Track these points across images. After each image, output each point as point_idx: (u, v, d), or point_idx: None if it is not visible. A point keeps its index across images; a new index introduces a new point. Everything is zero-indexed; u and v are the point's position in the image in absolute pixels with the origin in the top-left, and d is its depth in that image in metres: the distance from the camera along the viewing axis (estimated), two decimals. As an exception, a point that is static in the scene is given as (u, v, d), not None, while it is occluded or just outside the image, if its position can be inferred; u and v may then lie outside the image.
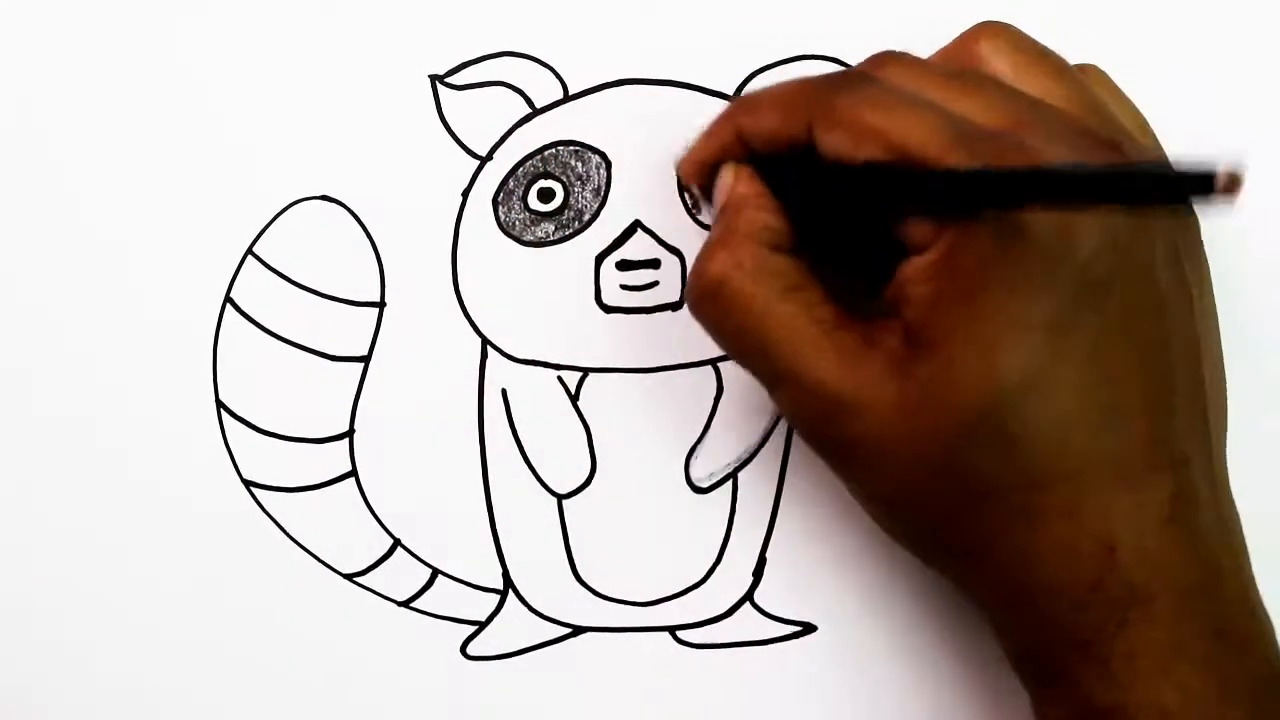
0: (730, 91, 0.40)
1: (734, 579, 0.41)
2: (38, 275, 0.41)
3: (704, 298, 0.34)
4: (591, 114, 0.40)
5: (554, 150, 0.40)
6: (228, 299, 0.41)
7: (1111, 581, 0.32)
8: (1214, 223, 0.36)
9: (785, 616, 0.41)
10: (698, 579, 0.41)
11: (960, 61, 0.35)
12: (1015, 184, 0.29)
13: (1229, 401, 0.36)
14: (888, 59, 0.34)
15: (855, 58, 0.40)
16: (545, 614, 0.41)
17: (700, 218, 0.40)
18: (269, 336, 0.41)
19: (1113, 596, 0.32)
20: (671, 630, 0.41)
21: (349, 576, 0.41)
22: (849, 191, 0.33)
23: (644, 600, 0.41)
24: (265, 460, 0.41)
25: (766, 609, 0.41)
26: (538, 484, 0.41)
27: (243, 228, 0.41)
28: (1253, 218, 0.38)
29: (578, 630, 0.41)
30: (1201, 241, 0.36)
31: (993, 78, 0.34)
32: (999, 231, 0.31)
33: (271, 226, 0.41)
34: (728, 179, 0.35)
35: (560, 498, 0.41)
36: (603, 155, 0.40)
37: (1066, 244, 0.31)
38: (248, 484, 0.41)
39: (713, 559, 0.41)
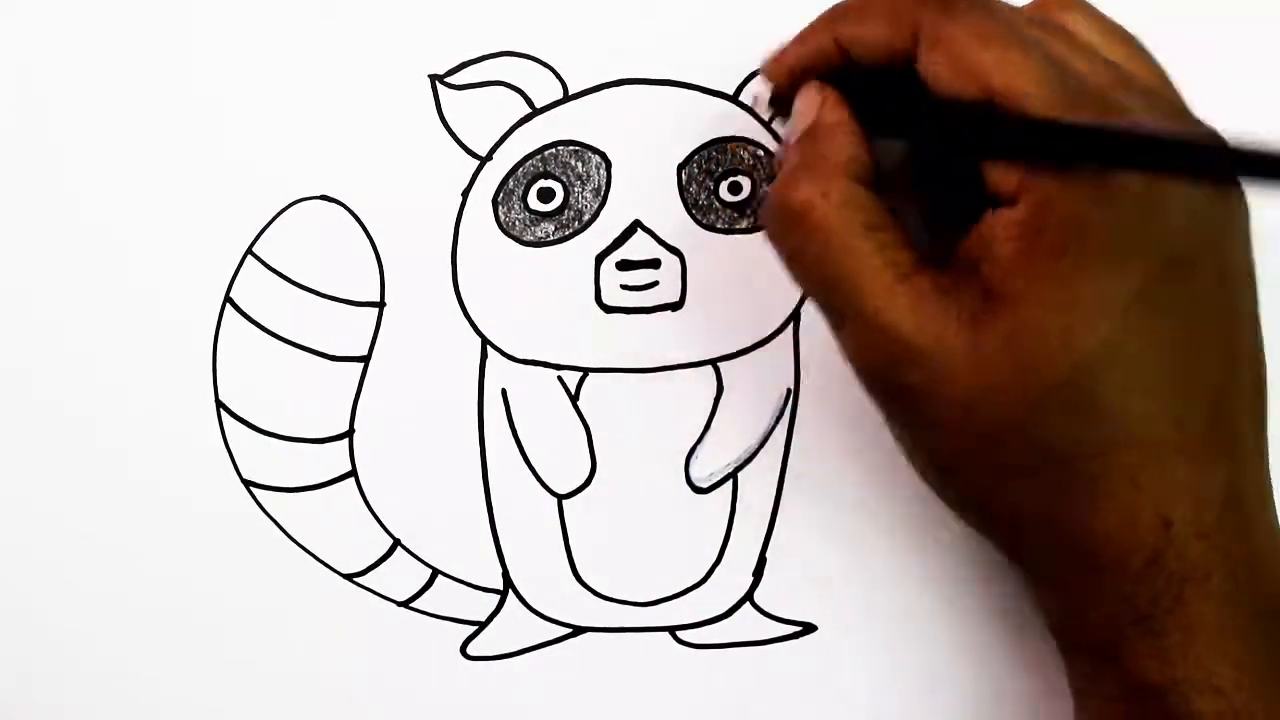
0: (730, 91, 0.40)
1: (734, 579, 0.41)
2: (38, 275, 0.41)
3: (786, 223, 0.33)
4: (591, 114, 0.40)
5: (554, 150, 0.40)
6: (227, 299, 0.41)
7: (1170, 555, 0.31)
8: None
9: (785, 616, 0.41)
10: (698, 579, 0.41)
11: (1043, 23, 0.34)
12: (1116, 144, 0.29)
13: None
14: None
15: (855, 57, 0.40)
16: (545, 614, 0.41)
17: (775, 126, 0.39)
18: (269, 336, 0.41)
19: (1170, 571, 0.31)
20: (671, 630, 0.41)
21: (349, 576, 0.41)
22: (945, 124, 0.33)
23: (644, 600, 0.41)
24: (265, 460, 0.41)
25: (766, 609, 0.41)
26: (538, 484, 0.41)
27: (243, 228, 0.41)
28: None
29: (578, 630, 0.41)
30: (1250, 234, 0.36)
31: (1082, 39, 0.34)
32: (1091, 194, 0.30)
33: (271, 226, 0.41)
34: (814, 99, 0.34)
35: (560, 498, 0.41)
36: (603, 155, 0.40)
37: (1156, 214, 0.30)
38: (247, 484, 0.41)
39: (713, 559, 0.41)
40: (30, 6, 0.41)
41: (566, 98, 0.41)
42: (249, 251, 0.41)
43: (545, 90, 0.41)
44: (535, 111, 0.41)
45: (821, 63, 0.34)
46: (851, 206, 0.32)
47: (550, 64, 0.41)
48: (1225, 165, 0.27)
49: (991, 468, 0.32)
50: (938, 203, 0.34)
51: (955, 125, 0.32)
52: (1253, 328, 0.34)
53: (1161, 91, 0.34)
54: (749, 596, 0.41)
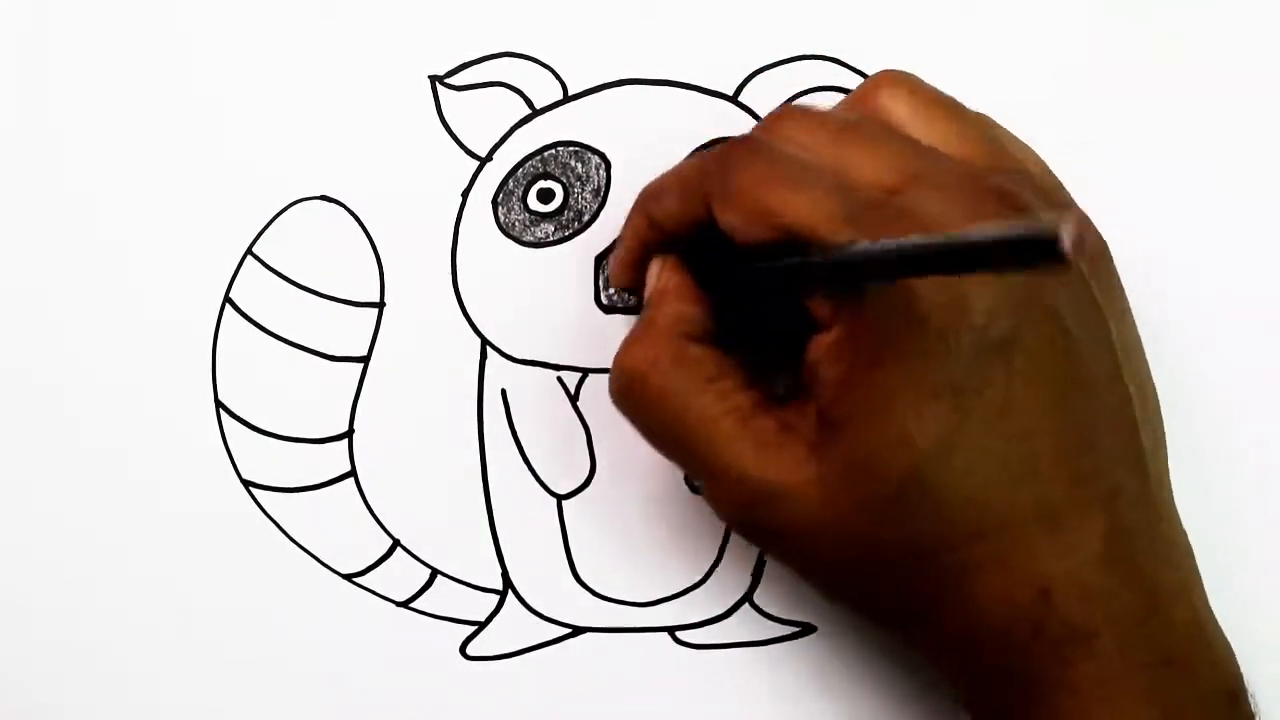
0: (730, 91, 0.40)
1: (733, 579, 0.41)
2: (38, 275, 0.41)
3: (623, 391, 0.35)
4: (591, 114, 0.40)
5: (554, 151, 0.40)
6: (227, 299, 0.41)
7: (1051, 623, 0.32)
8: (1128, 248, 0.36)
9: (784, 617, 0.41)
10: (697, 579, 0.41)
11: (861, 109, 0.35)
12: (890, 260, 0.29)
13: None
14: (786, 115, 0.35)
15: (855, 58, 0.41)
16: (544, 614, 0.41)
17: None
18: (268, 336, 0.41)
19: (1053, 637, 0.32)
20: (671, 631, 0.41)
21: (348, 577, 0.41)
22: (751, 270, 0.34)
23: (643, 600, 0.41)
24: (264, 460, 0.41)
25: (766, 609, 0.41)
26: (537, 484, 0.41)
27: (242, 228, 0.41)
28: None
29: (577, 630, 0.41)
30: (1114, 270, 0.36)
31: (888, 127, 0.34)
32: (893, 304, 0.31)
33: (271, 226, 0.41)
34: (654, 269, 0.36)
35: (560, 498, 0.41)
36: (602, 156, 0.40)
37: (960, 308, 0.31)
38: (247, 484, 0.41)
39: (712, 559, 0.41)
40: (31, 6, 0.41)
41: (566, 98, 0.41)
42: (249, 252, 0.41)
43: (545, 91, 0.41)
44: (535, 112, 0.41)
45: (649, 242, 0.36)
46: (684, 365, 0.34)
47: (550, 65, 0.41)
48: (987, 257, 0.26)
49: (866, 578, 0.33)
50: (781, 337, 0.35)
51: (754, 269, 0.34)
52: (1110, 381, 0.33)
53: (960, 169, 0.33)
54: (748, 597, 0.41)
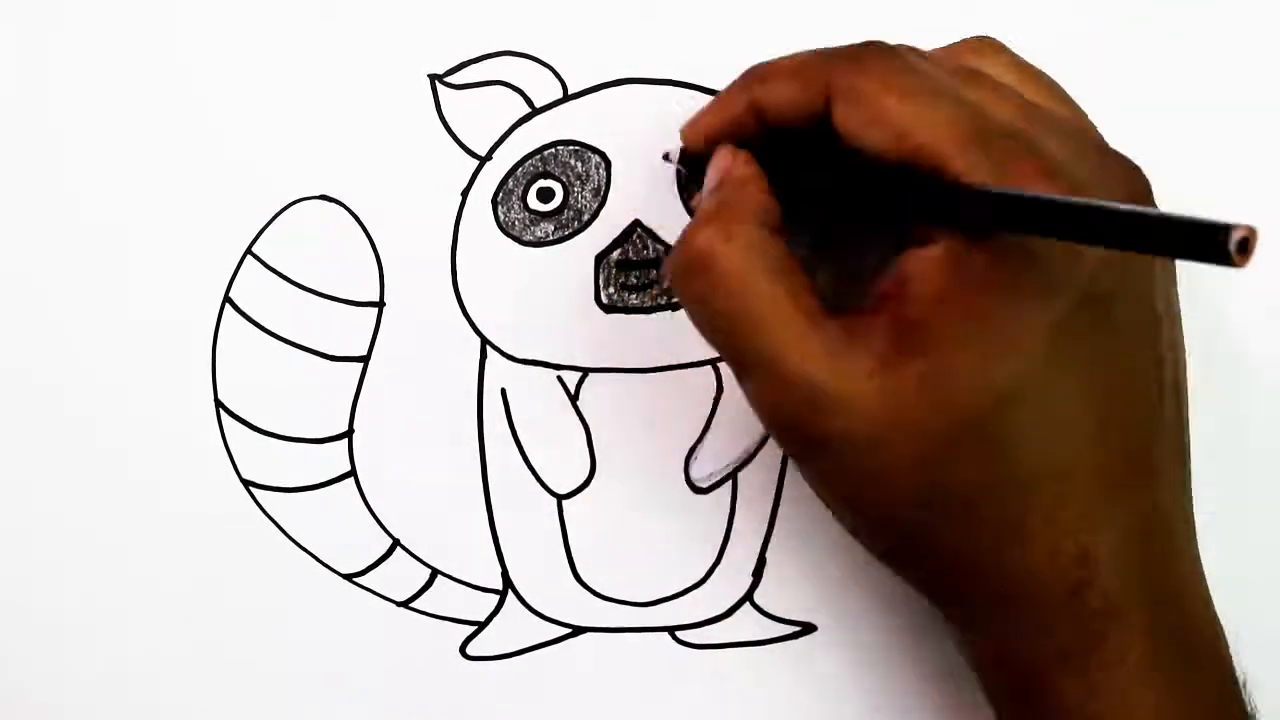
0: (730, 91, 0.40)
1: (734, 579, 0.41)
2: (38, 275, 0.41)
3: (689, 270, 0.33)
4: (591, 114, 0.40)
5: (553, 150, 0.40)
6: (227, 299, 0.41)
7: (1090, 592, 0.32)
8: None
9: (785, 616, 0.41)
10: (697, 579, 0.41)
11: (961, 63, 0.35)
12: (1030, 212, 0.28)
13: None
14: (903, 47, 0.34)
15: (855, 57, 0.40)
16: (545, 614, 0.41)
17: (690, 200, 0.39)
18: (268, 336, 0.41)
19: (1091, 608, 0.32)
20: (671, 630, 0.41)
21: (348, 576, 0.41)
22: (860, 185, 0.33)
23: (643, 600, 0.41)
24: (264, 460, 0.41)
25: (766, 609, 0.41)
26: (537, 484, 0.41)
27: (242, 227, 0.41)
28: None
29: (577, 630, 0.41)
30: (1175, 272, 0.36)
31: (999, 80, 0.34)
32: (1003, 237, 0.31)
33: (271, 226, 0.41)
34: (725, 159, 0.34)
35: (560, 498, 0.41)
36: (602, 155, 0.40)
37: (1073, 255, 0.30)
38: (247, 484, 0.41)
39: (712, 559, 0.41)
40: (31, 6, 0.41)
41: (566, 97, 0.40)
42: (248, 251, 0.41)
43: (545, 90, 0.41)
44: (535, 111, 0.41)
45: (737, 128, 0.35)
46: (756, 250, 0.32)
47: (550, 64, 0.41)
48: (1139, 235, 0.26)
49: (910, 508, 0.32)
50: (846, 253, 0.34)
51: (865, 185, 0.32)
52: (1174, 363, 0.33)
53: (1080, 129, 0.33)
54: (749, 596, 0.41)
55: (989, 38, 0.35)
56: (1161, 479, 0.33)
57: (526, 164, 0.40)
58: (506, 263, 0.40)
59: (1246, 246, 0.23)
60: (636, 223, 0.40)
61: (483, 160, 0.41)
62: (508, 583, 0.41)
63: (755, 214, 0.33)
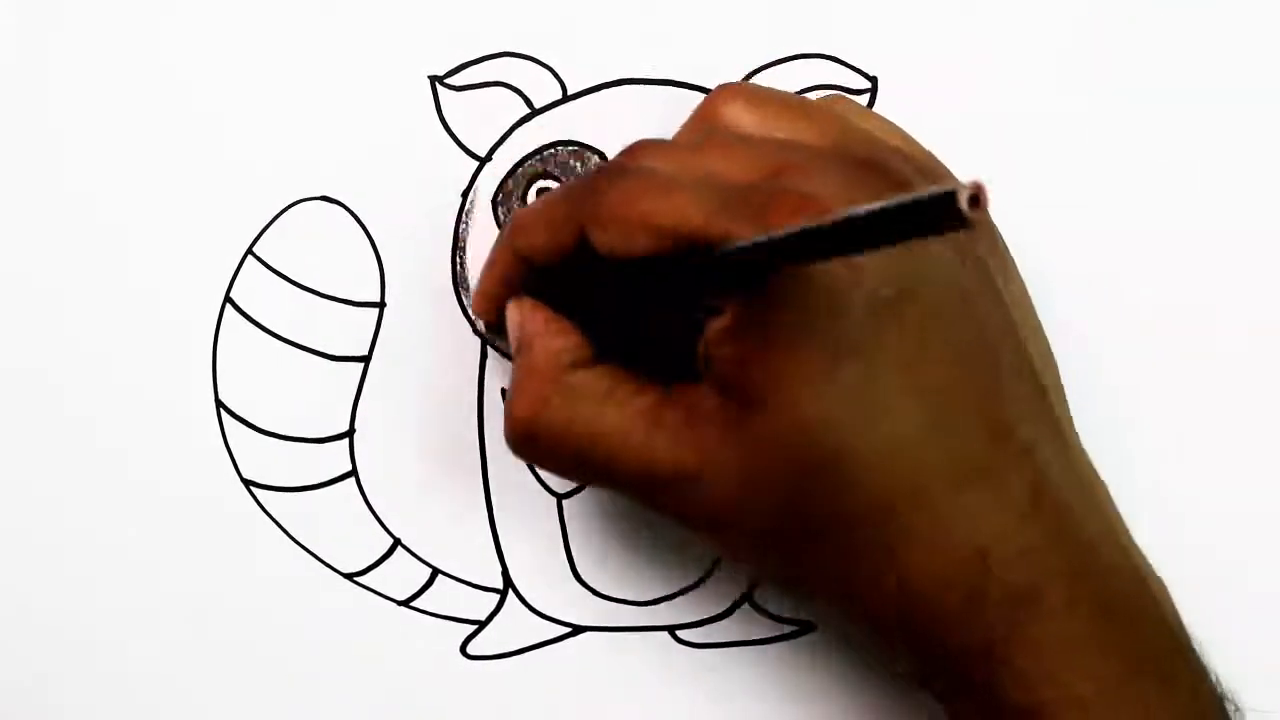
0: (729, 92, 0.41)
1: (733, 578, 0.41)
2: (38, 275, 0.41)
3: (523, 442, 0.34)
4: (590, 114, 0.41)
5: (553, 150, 0.41)
6: (228, 299, 0.41)
7: (992, 586, 0.31)
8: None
9: (784, 615, 0.41)
10: (697, 578, 0.41)
11: (707, 125, 0.35)
12: (777, 247, 0.28)
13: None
14: (638, 148, 0.34)
15: (855, 57, 0.41)
16: (545, 613, 0.41)
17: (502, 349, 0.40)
18: (269, 336, 0.41)
19: (998, 599, 0.31)
20: (671, 630, 0.41)
21: (349, 576, 0.41)
22: (636, 285, 0.34)
23: (643, 599, 0.41)
24: (265, 460, 0.41)
25: (766, 608, 0.41)
26: (537, 483, 0.41)
27: (243, 228, 0.41)
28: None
29: (577, 630, 0.41)
30: (995, 228, 0.36)
31: (738, 133, 0.34)
32: (781, 278, 0.31)
33: (271, 227, 0.41)
34: (514, 316, 0.35)
35: (560, 497, 0.41)
36: (602, 155, 0.40)
37: (849, 270, 0.30)
38: (248, 484, 0.41)
39: (712, 558, 0.41)
40: (31, 6, 0.41)
41: (566, 98, 0.41)
42: (249, 251, 0.41)
43: (544, 91, 0.41)
44: (534, 112, 0.41)
45: (515, 280, 0.36)
46: (573, 393, 0.33)
47: (549, 64, 0.41)
48: (882, 228, 0.26)
49: (795, 556, 0.33)
50: (668, 329, 0.34)
51: (639, 282, 0.33)
52: (1007, 333, 0.33)
53: (822, 144, 0.34)
54: (748, 596, 0.41)
55: (730, 86, 0.36)
56: (1036, 449, 0.32)
57: (526, 164, 0.41)
58: (507, 263, 0.40)
59: (977, 202, 0.23)
60: (636, 223, 0.40)
61: (482, 161, 0.41)
62: (508, 582, 0.41)
63: (558, 361, 0.34)
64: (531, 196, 0.40)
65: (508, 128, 0.41)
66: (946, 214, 0.22)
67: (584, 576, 0.41)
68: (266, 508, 0.41)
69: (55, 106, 0.41)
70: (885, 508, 0.31)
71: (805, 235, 0.27)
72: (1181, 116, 0.41)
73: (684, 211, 0.31)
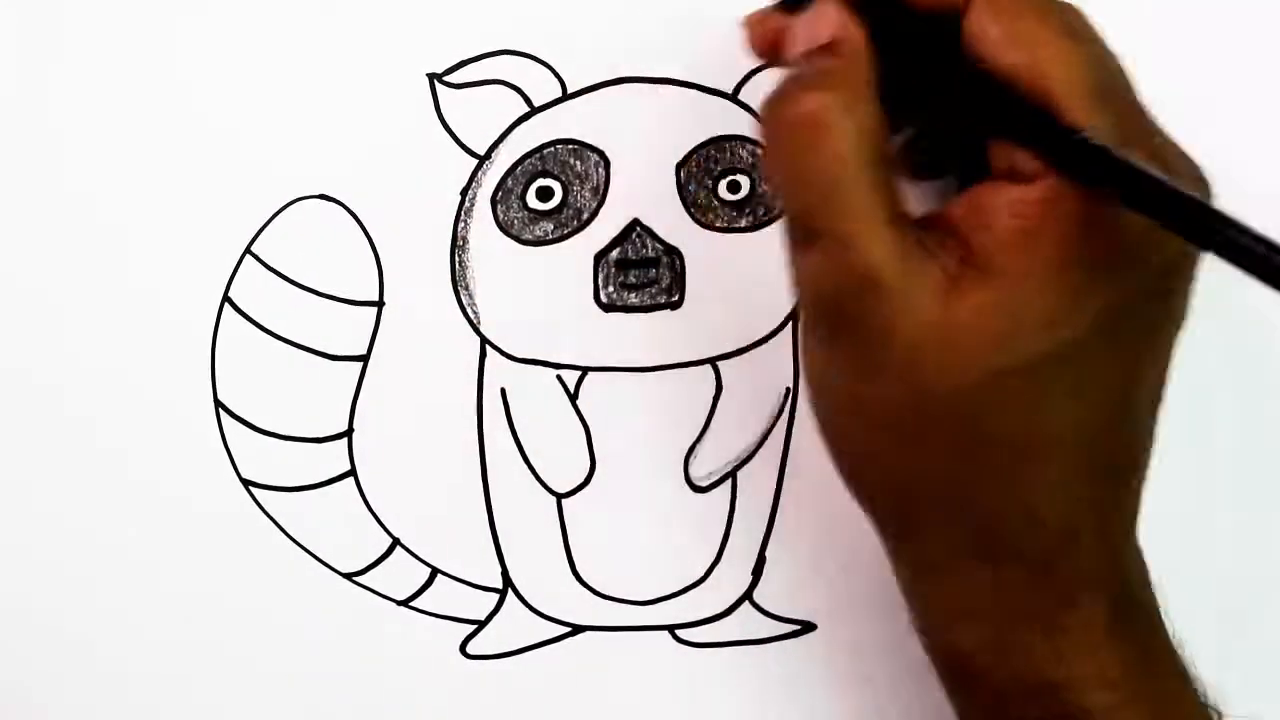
0: (729, 89, 0.40)
1: (733, 577, 0.41)
2: (37, 274, 0.41)
3: (796, 130, 0.31)
4: (590, 112, 0.40)
5: (552, 149, 0.40)
6: (226, 298, 0.41)
7: (1066, 564, 0.32)
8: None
9: (785, 615, 0.41)
10: (697, 578, 0.41)
11: None
12: (1139, 186, 0.28)
13: None
14: None
15: (854, 56, 0.40)
16: (544, 613, 0.41)
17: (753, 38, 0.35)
18: (268, 336, 0.41)
19: (1064, 576, 0.32)
20: (671, 629, 0.41)
21: (348, 576, 0.41)
22: (975, 97, 0.31)
23: (643, 599, 0.41)
24: (264, 460, 0.41)
25: (766, 608, 0.41)
26: (537, 483, 0.41)
27: (241, 227, 0.41)
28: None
29: (577, 629, 0.41)
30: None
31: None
32: (1105, 201, 0.30)
33: (270, 225, 0.41)
34: (836, 15, 0.32)
35: (559, 497, 0.41)
36: (601, 154, 0.40)
37: (1156, 243, 0.30)
38: (246, 484, 0.41)
39: (712, 558, 0.41)
40: (31, 7, 0.41)
41: (565, 96, 0.40)
42: (248, 251, 0.41)
43: (544, 89, 0.40)
44: (534, 110, 0.41)
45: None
46: (866, 135, 0.31)
47: (549, 63, 0.40)
48: (1236, 249, 0.27)
49: (918, 429, 0.31)
50: (944, 150, 0.33)
51: (996, 109, 0.31)
52: (1164, 380, 0.34)
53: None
54: (748, 595, 0.41)
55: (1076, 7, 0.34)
56: (1135, 477, 0.34)
57: (525, 163, 0.40)
58: (506, 262, 0.40)
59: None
60: (635, 221, 0.40)
61: (482, 159, 0.41)
62: (508, 582, 0.41)
63: (866, 85, 0.31)
64: (531, 195, 0.40)
65: (507, 126, 0.40)
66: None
67: (584, 576, 0.41)
68: (265, 507, 0.41)
69: (55, 106, 0.41)
70: (1038, 448, 0.31)
71: (1174, 194, 0.28)
72: (1182, 116, 0.41)
73: (1068, 72, 0.30)
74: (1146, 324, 0.32)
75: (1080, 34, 0.31)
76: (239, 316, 0.41)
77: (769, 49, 0.34)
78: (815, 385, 0.33)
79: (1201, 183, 0.32)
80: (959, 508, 0.32)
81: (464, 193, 0.41)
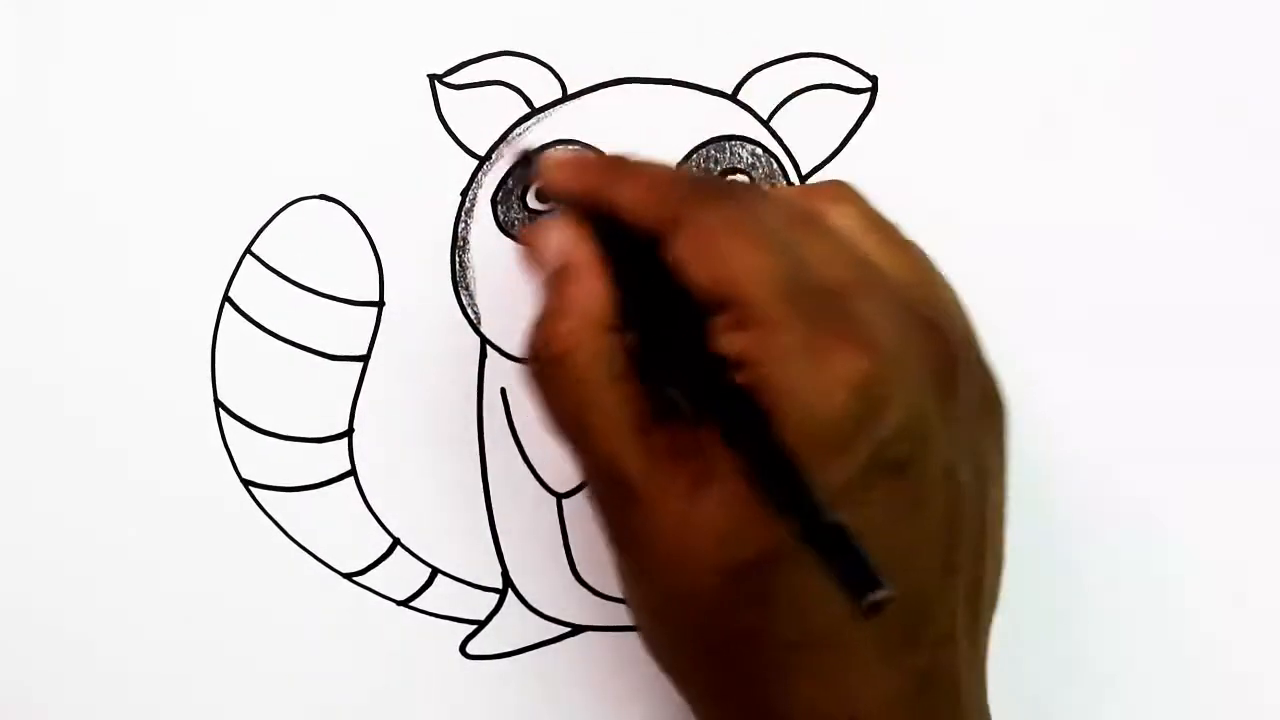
0: (729, 90, 0.40)
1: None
2: (37, 275, 0.41)
3: (545, 368, 0.33)
4: (590, 113, 0.40)
5: (553, 149, 0.40)
6: (226, 298, 0.41)
7: None
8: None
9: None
10: (697, 578, 0.41)
11: (809, 207, 0.34)
12: (810, 522, 0.28)
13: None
14: (745, 185, 0.34)
15: (854, 56, 0.41)
16: (544, 613, 0.41)
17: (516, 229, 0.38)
18: (268, 336, 0.41)
19: None
20: (671, 629, 0.41)
21: (348, 576, 0.41)
22: (672, 324, 0.33)
23: (643, 599, 0.41)
24: (264, 460, 0.41)
25: (766, 608, 0.41)
26: (537, 483, 0.41)
27: (241, 227, 0.41)
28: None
29: (577, 629, 0.41)
30: (1005, 434, 0.35)
31: (839, 231, 0.33)
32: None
33: (270, 226, 0.41)
34: (569, 234, 0.34)
35: (559, 497, 0.41)
36: (601, 154, 0.40)
37: (871, 417, 0.30)
38: (247, 484, 0.41)
39: (712, 558, 0.41)
40: (31, 7, 0.41)
41: (565, 97, 0.41)
42: (248, 251, 0.41)
43: (544, 90, 0.41)
44: (534, 111, 0.41)
45: (590, 201, 0.34)
46: (602, 356, 0.32)
47: (549, 63, 0.41)
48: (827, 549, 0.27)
49: (682, 631, 0.33)
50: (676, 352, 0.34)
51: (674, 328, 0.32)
52: (974, 538, 0.33)
53: (907, 289, 0.33)
54: (748, 595, 0.41)
55: (844, 184, 0.35)
56: (944, 640, 0.33)
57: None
58: (506, 262, 0.40)
59: (878, 608, 0.26)
60: (636, 222, 0.40)
61: (482, 160, 0.41)
62: (508, 581, 0.41)
63: (600, 313, 0.33)
64: (531, 196, 0.40)
65: (507, 127, 0.41)
66: (856, 594, 0.27)
67: (584, 576, 0.41)
68: (265, 507, 0.41)
69: (55, 106, 0.41)
70: (794, 641, 0.31)
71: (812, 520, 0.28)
72: (1182, 117, 0.41)
73: (759, 274, 0.31)
74: (890, 502, 0.31)
75: (767, 238, 0.31)
76: (239, 316, 0.41)
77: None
78: (617, 571, 0.34)
79: (935, 354, 0.32)
80: (735, 696, 0.32)
81: (464, 193, 0.41)
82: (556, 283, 0.34)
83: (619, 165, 0.35)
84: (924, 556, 0.32)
